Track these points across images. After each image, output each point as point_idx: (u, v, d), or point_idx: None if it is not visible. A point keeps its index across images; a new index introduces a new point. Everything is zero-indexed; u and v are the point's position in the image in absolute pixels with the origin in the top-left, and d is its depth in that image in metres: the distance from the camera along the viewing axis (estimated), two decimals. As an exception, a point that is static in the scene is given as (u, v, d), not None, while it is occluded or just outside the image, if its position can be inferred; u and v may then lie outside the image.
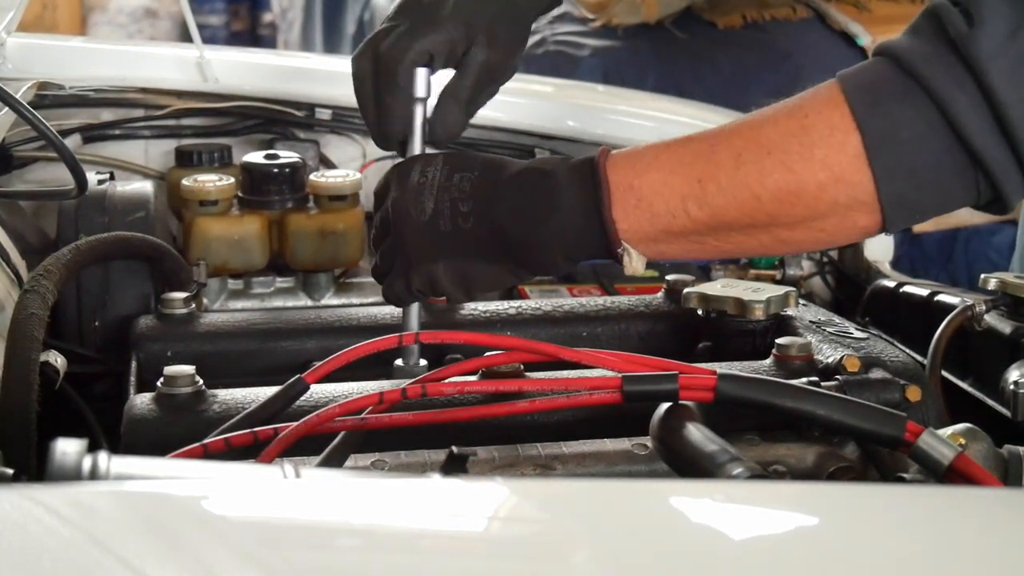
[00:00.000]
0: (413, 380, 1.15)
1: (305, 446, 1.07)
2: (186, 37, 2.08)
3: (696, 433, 1.04)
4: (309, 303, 1.66)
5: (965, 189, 1.12)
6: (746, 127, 1.16)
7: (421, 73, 1.28)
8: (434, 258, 1.21)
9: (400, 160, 1.29)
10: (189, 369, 1.19)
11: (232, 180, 1.65)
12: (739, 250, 1.19)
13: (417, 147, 1.30)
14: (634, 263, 1.18)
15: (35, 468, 1.07)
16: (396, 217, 1.23)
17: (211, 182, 1.63)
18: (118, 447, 1.14)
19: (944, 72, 1.09)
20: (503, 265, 1.21)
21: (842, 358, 1.25)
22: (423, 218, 1.21)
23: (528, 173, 1.20)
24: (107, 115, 1.93)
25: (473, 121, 1.92)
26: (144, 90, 1.95)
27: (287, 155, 1.69)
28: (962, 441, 1.08)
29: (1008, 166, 1.09)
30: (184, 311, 1.40)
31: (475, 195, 1.20)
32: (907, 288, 1.60)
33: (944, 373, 1.42)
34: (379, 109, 1.28)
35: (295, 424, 1.08)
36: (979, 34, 1.07)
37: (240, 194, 1.66)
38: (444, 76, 1.31)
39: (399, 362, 1.30)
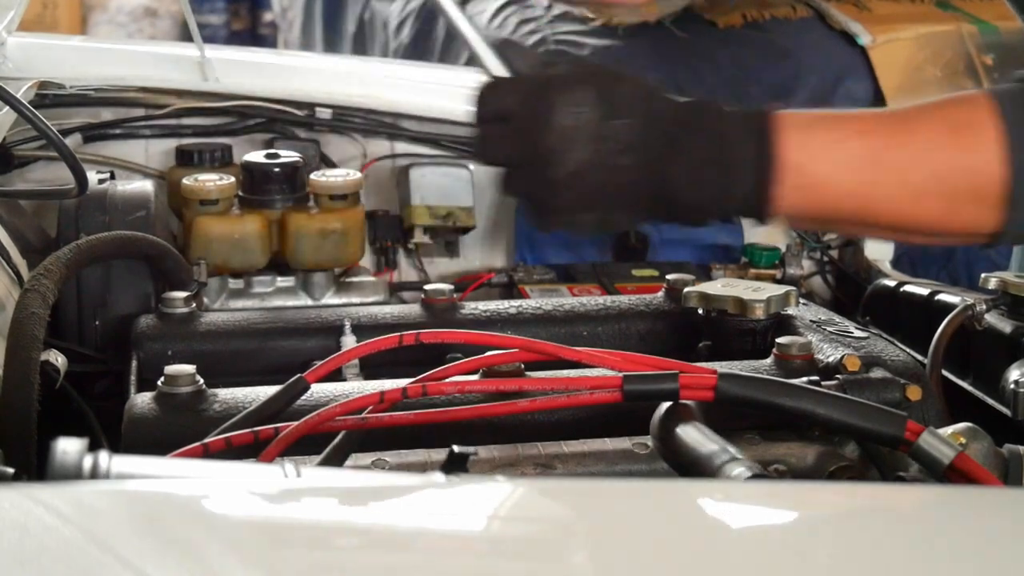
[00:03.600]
0: (414, 380, 1.15)
1: (306, 445, 1.07)
2: (186, 36, 2.07)
3: (696, 432, 1.04)
4: (309, 302, 1.66)
5: None
6: (919, 144, 1.16)
7: None
8: (579, 210, 1.14)
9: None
10: (189, 368, 1.19)
11: (232, 179, 1.65)
12: (869, 236, 1.26)
13: None
14: (773, 229, 1.20)
15: (36, 467, 1.07)
16: (538, 159, 1.11)
17: (211, 181, 1.63)
18: (118, 446, 1.14)
19: None
20: (652, 215, 1.18)
21: (842, 357, 1.25)
22: (571, 168, 1.11)
23: (700, 136, 1.13)
24: (107, 114, 1.93)
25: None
26: (144, 89, 1.95)
27: (287, 154, 1.69)
28: (962, 440, 1.08)
29: None
30: (184, 310, 1.40)
31: (638, 149, 1.11)
32: (907, 287, 1.60)
33: (944, 372, 1.42)
34: None
35: (296, 423, 1.08)
36: None
37: (240, 193, 1.66)
38: None
39: None
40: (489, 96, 1.14)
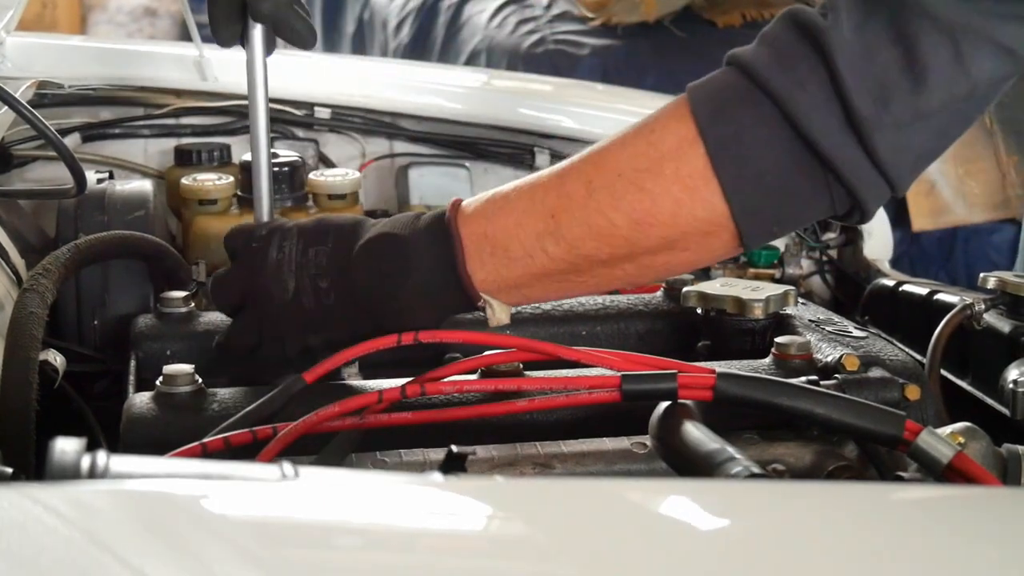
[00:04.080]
0: (412, 380, 1.15)
1: (304, 445, 1.07)
2: (185, 36, 2.08)
3: (695, 432, 1.04)
4: (308, 302, 1.65)
5: (817, 194, 1.10)
6: (595, 154, 1.14)
7: None
8: (305, 334, 1.20)
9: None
10: (188, 368, 1.19)
11: (231, 179, 1.65)
12: (607, 283, 1.17)
13: None
14: (497, 314, 1.17)
15: (34, 467, 1.07)
16: (259, 295, 1.21)
17: (210, 181, 1.63)
18: (117, 446, 1.14)
19: (786, 72, 1.07)
20: (373, 331, 1.19)
21: (841, 357, 1.25)
22: (287, 297, 1.19)
23: (378, 241, 1.17)
24: (106, 114, 1.93)
25: (473, 120, 1.94)
26: (143, 89, 1.95)
27: (286, 154, 1.69)
28: (961, 440, 1.08)
29: (859, 163, 1.08)
30: (183, 310, 1.40)
31: (331, 270, 1.18)
32: (906, 287, 1.60)
33: (943, 372, 1.42)
34: None
35: (294, 423, 1.08)
36: (831, 27, 1.06)
37: (239, 193, 1.66)
38: None
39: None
40: (227, 242, 1.27)
